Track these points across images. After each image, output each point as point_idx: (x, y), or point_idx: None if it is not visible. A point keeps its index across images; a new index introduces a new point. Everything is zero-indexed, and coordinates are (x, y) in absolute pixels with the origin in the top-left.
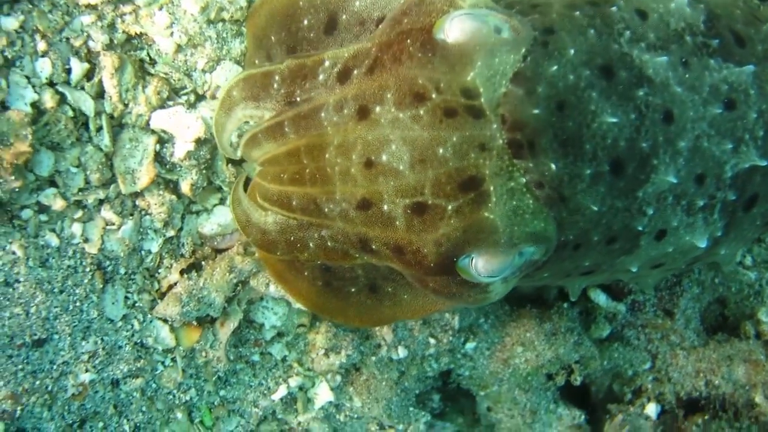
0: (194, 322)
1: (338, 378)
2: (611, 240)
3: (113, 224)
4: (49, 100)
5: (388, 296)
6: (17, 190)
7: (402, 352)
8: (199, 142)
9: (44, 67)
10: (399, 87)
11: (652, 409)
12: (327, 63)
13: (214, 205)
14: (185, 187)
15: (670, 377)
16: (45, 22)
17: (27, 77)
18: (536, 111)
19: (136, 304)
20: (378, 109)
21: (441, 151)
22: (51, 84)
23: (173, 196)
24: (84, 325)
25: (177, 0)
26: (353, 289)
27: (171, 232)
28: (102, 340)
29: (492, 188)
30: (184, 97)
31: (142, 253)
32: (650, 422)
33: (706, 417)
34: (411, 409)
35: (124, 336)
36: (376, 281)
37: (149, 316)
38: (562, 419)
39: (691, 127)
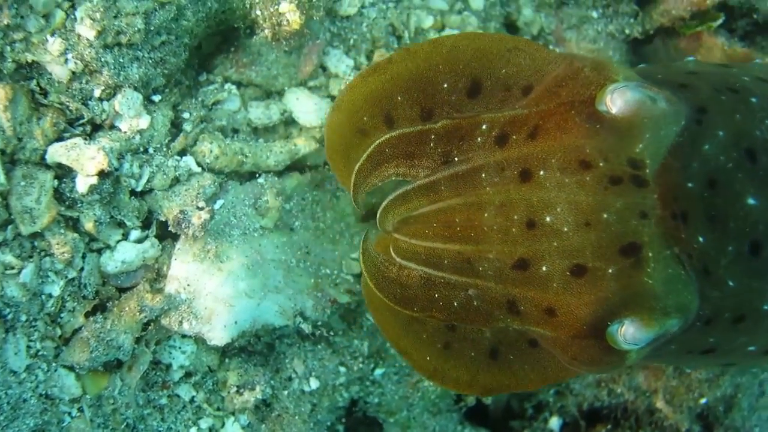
0: (101, 368)
1: (249, 416)
2: (739, 319)
3: (12, 268)
4: None
5: (507, 364)
6: None
7: (314, 383)
8: (103, 175)
9: None
10: (565, 154)
11: (554, 422)
12: (484, 126)
13: (117, 242)
14: (88, 224)
15: (572, 389)
16: None
17: None
18: (690, 185)
19: (40, 353)
20: (542, 172)
21: (605, 215)
22: None
23: (75, 234)
24: None
25: (71, 25)
26: (473, 353)
27: (73, 273)
28: (6, 394)
29: (650, 254)
30: (80, 128)
31: (43, 297)
32: None
33: (609, 426)
34: None
35: (28, 388)
36: (499, 347)
37: (54, 364)
38: None
39: None
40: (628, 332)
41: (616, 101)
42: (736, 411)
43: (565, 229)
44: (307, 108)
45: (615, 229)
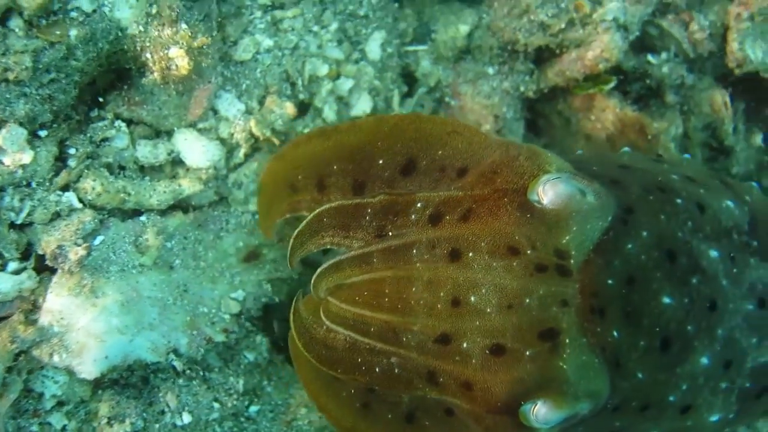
0: None
1: None
2: (645, 407)
3: None
4: None
5: (422, 429)
6: None
7: (186, 418)
8: None
9: None
10: (494, 239)
11: None
12: (419, 204)
13: None
14: None
15: None
16: None
17: None
18: (610, 282)
19: None
20: (471, 254)
21: (527, 300)
22: None
23: None
24: None
25: None
26: (390, 416)
27: None
28: None
29: (567, 341)
30: None
31: None
32: None
33: None
34: None
35: None
36: (416, 412)
37: None
38: None
39: (729, 318)
40: (540, 412)
41: (547, 192)
42: None
43: (488, 310)
44: (195, 149)
45: (536, 314)
